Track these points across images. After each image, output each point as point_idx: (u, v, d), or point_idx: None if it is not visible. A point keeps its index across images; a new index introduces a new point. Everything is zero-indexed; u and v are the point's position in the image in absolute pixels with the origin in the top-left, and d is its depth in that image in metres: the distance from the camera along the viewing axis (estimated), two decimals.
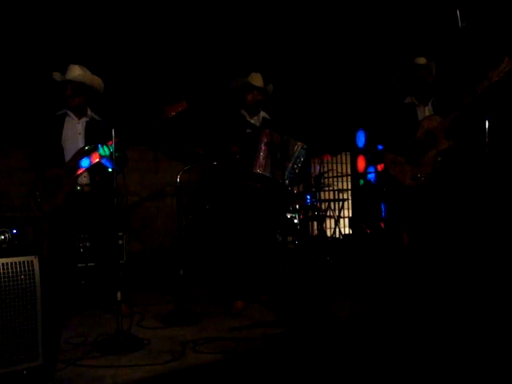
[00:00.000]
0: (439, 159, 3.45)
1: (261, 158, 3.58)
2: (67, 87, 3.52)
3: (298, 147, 3.68)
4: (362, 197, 6.70)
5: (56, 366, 2.52)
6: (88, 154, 3.48)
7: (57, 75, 3.53)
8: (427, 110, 3.65)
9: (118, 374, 2.48)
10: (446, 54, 3.87)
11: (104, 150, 3.40)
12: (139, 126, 3.32)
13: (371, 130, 6.22)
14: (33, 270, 2.29)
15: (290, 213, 5.35)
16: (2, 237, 2.34)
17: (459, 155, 3.47)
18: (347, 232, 6.97)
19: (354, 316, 3.47)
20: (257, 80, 3.80)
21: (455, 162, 3.49)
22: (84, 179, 3.57)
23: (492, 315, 2.97)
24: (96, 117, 3.71)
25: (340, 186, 7.11)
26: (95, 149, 3.44)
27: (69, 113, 3.61)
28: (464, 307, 3.21)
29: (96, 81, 3.60)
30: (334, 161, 7.52)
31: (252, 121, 3.83)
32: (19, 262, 2.26)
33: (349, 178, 7.35)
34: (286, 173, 3.60)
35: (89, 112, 3.67)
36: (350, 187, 7.28)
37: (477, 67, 3.17)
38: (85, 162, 3.47)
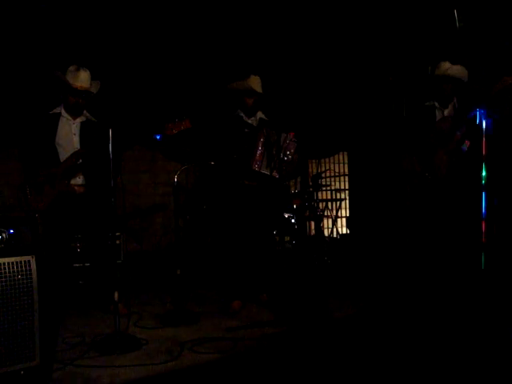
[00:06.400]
0: (450, 161, 3.47)
1: (258, 156, 3.60)
2: (68, 89, 3.49)
3: (287, 138, 3.67)
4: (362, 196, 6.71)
5: (53, 366, 2.52)
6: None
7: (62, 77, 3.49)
8: (446, 113, 3.66)
9: (116, 374, 2.48)
10: (444, 54, 3.88)
11: None
12: (140, 139, 3.29)
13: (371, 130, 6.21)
14: (30, 270, 2.28)
15: (287, 213, 5.35)
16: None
17: (470, 157, 3.48)
18: (345, 232, 6.97)
19: (351, 316, 3.47)
20: (257, 85, 3.79)
21: (465, 163, 3.50)
22: (78, 180, 3.56)
23: (492, 315, 2.97)
24: (92, 118, 3.69)
25: (338, 186, 7.12)
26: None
27: (63, 113, 3.58)
28: (463, 307, 3.21)
29: (95, 86, 3.58)
30: (332, 160, 7.52)
31: (249, 121, 3.85)
32: (16, 262, 2.25)
33: (346, 177, 7.35)
34: (277, 166, 3.61)
35: (85, 112, 3.65)
36: (347, 187, 7.28)
37: (493, 72, 3.18)
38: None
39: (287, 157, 3.67)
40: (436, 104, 3.69)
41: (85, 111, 3.66)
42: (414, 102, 3.89)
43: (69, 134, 3.57)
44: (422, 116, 3.71)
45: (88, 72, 3.51)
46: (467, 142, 3.44)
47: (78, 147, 3.57)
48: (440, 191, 3.55)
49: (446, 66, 3.58)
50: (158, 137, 3.30)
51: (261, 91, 3.81)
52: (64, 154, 3.52)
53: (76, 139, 3.58)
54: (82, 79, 3.47)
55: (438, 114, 3.67)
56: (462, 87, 3.61)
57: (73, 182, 3.54)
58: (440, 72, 3.58)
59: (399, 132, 3.91)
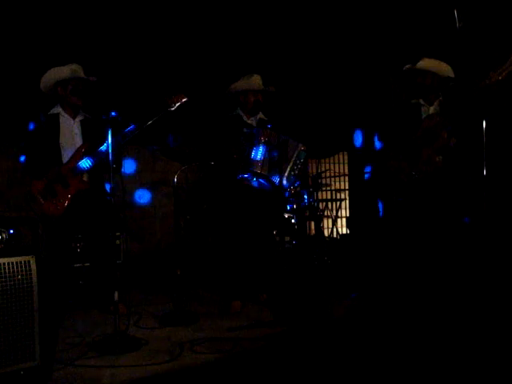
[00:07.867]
0: (437, 159, 3.46)
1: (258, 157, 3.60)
2: (69, 85, 3.49)
3: (298, 149, 3.70)
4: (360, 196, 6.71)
5: (53, 367, 2.51)
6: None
7: (64, 71, 3.49)
8: (432, 110, 3.66)
9: (116, 374, 2.48)
10: (443, 53, 3.88)
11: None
12: (142, 119, 3.31)
13: (370, 129, 6.22)
14: (30, 270, 2.28)
15: (287, 213, 5.35)
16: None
17: (458, 154, 3.48)
18: (345, 232, 6.97)
19: (351, 316, 3.48)
20: (260, 83, 3.82)
21: (454, 161, 3.50)
22: (84, 178, 3.55)
23: (489, 314, 2.97)
24: (87, 115, 3.68)
25: (337, 186, 7.12)
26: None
27: (62, 112, 3.58)
28: (461, 306, 3.21)
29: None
30: (332, 160, 7.52)
31: (249, 121, 3.85)
32: (16, 263, 2.25)
33: (346, 177, 7.35)
34: (286, 174, 3.63)
35: (81, 112, 3.65)
36: (347, 187, 7.28)
37: (479, 67, 3.18)
38: (85, 163, 3.45)
39: (296, 165, 3.70)
40: (421, 101, 3.69)
41: (80, 111, 3.65)
42: (400, 101, 3.90)
43: (71, 134, 3.57)
44: (407, 114, 3.71)
45: (78, 65, 3.51)
46: (453, 139, 3.44)
47: None
48: (427, 189, 3.54)
49: (424, 60, 3.59)
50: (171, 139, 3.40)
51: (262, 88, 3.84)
52: (66, 154, 3.51)
53: (78, 138, 3.58)
54: (75, 69, 3.48)
55: (424, 111, 3.67)
56: (445, 83, 3.60)
57: None
58: (417, 66, 3.59)
59: (386, 130, 3.91)
